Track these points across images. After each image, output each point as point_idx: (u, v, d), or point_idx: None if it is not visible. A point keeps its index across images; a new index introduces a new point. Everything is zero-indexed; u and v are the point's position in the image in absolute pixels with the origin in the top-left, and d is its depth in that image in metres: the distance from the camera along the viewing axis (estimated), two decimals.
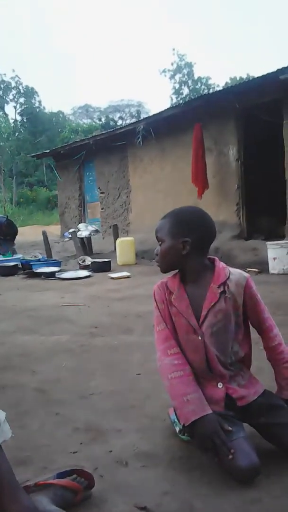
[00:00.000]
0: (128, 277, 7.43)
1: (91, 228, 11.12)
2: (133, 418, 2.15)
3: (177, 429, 1.92)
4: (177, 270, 1.91)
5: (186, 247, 1.79)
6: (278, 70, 7.24)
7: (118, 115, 44.66)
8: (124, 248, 9.32)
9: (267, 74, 7.50)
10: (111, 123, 36.32)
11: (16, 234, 11.08)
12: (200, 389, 1.78)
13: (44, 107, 46.50)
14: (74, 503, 1.48)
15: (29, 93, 44.11)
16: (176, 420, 1.91)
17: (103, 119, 39.87)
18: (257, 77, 8.00)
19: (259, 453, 1.63)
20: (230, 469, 1.59)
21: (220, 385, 1.80)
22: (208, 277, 1.82)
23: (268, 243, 7.21)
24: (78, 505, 1.49)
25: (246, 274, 1.88)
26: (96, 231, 11.16)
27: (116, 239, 9.90)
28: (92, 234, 10.92)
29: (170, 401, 1.85)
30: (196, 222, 1.83)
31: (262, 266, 7.25)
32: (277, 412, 1.77)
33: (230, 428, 1.66)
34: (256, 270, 7.12)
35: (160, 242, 1.87)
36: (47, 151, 15.47)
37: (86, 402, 2.38)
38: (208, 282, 1.81)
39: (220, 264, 1.86)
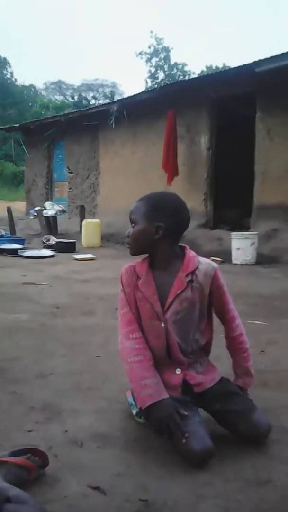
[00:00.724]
0: (92, 259, 7.40)
1: (57, 207, 10.98)
2: (91, 399, 2.15)
3: (134, 412, 1.94)
4: (146, 255, 1.90)
5: (159, 232, 1.78)
6: (254, 62, 7.27)
7: (91, 94, 44.00)
8: (90, 230, 9.26)
9: (243, 65, 7.52)
10: (84, 102, 35.81)
11: None
12: (159, 374, 1.79)
13: (15, 79, 45.36)
14: (28, 482, 1.47)
15: (1, 63, 42.88)
16: (133, 402, 1.92)
17: (76, 97, 39.21)
18: (233, 68, 8.02)
19: (213, 437, 1.67)
20: (184, 453, 1.62)
21: (178, 371, 1.82)
22: (177, 265, 1.83)
23: (233, 233, 7.31)
24: (31, 483, 1.48)
25: (215, 265, 1.89)
26: (63, 211, 11.03)
27: (83, 221, 9.82)
28: (58, 213, 10.79)
29: (129, 384, 1.85)
30: (173, 208, 1.82)
31: (226, 256, 7.36)
32: (233, 399, 1.80)
33: (185, 413, 1.69)
34: (220, 259, 7.21)
35: (133, 224, 1.84)
36: (17, 125, 15.07)
37: (44, 382, 2.37)
38: (176, 269, 1.82)
39: (191, 253, 1.86)
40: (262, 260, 7.09)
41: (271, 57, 7.00)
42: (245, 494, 1.45)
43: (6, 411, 2.03)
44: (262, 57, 7.14)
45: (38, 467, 1.53)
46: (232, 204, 9.76)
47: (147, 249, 1.86)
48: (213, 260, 6.64)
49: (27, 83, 46.31)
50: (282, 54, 6.83)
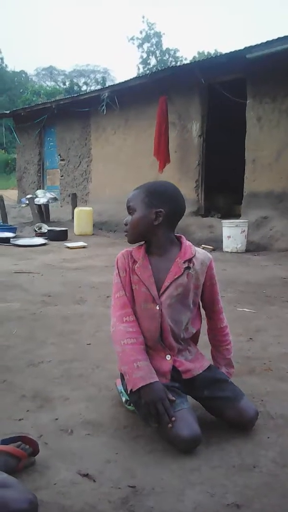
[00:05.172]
0: (84, 247, 7.40)
1: (49, 195, 10.93)
2: (81, 387, 2.17)
3: (123, 399, 1.96)
4: (142, 242, 1.92)
5: (158, 218, 1.82)
6: (245, 48, 7.23)
7: (82, 80, 43.48)
8: (82, 218, 9.25)
9: (235, 51, 7.48)
10: (75, 88, 35.39)
11: None
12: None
13: (6, 65, 44.84)
14: (17, 470, 1.49)
15: None
16: (122, 390, 1.95)
17: (67, 83, 38.73)
18: (225, 54, 7.97)
19: (201, 424, 1.69)
20: (173, 439, 1.64)
21: (168, 357, 1.84)
22: (174, 252, 1.87)
23: (224, 221, 7.32)
24: (20, 471, 1.50)
25: (210, 255, 1.94)
26: (55, 198, 10.99)
27: (75, 208, 9.80)
28: (50, 201, 10.75)
29: (119, 367, 1.85)
30: (170, 194, 1.87)
31: (217, 244, 7.39)
32: (220, 386, 1.83)
33: (174, 398, 1.71)
34: (211, 247, 7.24)
35: (131, 212, 1.87)
36: (7, 111, 14.91)
37: (35, 370, 2.39)
38: (173, 256, 1.86)
39: (187, 242, 1.91)
40: (252, 248, 7.12)
41: (262, 43, 6.96)
42: (231, 480, 1.48)
43: None
44: (253, 43, 7.10)
45: (29, 455, 1.55)
46: (224, 191, 9.76)
47: (145, 235, 1.89)
48: (204, 247, 6.71)
49: (17, 69, 45.85)
50: (273, 40, 6.79)
